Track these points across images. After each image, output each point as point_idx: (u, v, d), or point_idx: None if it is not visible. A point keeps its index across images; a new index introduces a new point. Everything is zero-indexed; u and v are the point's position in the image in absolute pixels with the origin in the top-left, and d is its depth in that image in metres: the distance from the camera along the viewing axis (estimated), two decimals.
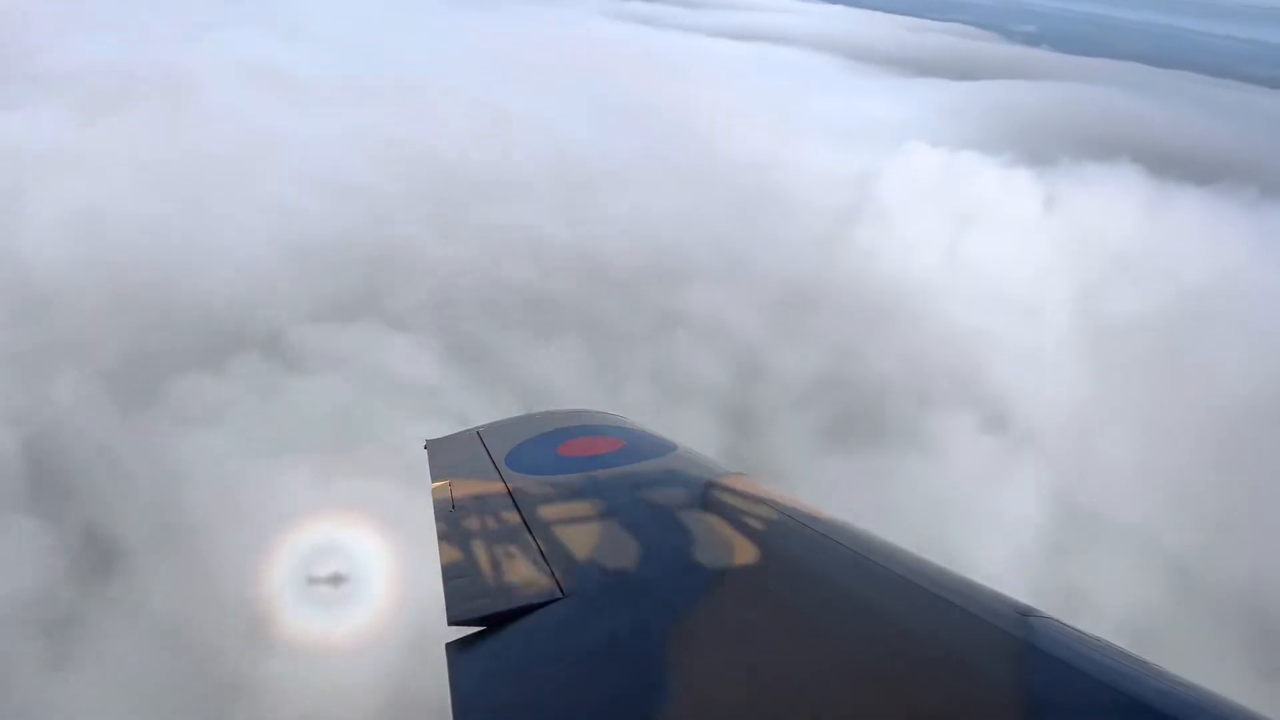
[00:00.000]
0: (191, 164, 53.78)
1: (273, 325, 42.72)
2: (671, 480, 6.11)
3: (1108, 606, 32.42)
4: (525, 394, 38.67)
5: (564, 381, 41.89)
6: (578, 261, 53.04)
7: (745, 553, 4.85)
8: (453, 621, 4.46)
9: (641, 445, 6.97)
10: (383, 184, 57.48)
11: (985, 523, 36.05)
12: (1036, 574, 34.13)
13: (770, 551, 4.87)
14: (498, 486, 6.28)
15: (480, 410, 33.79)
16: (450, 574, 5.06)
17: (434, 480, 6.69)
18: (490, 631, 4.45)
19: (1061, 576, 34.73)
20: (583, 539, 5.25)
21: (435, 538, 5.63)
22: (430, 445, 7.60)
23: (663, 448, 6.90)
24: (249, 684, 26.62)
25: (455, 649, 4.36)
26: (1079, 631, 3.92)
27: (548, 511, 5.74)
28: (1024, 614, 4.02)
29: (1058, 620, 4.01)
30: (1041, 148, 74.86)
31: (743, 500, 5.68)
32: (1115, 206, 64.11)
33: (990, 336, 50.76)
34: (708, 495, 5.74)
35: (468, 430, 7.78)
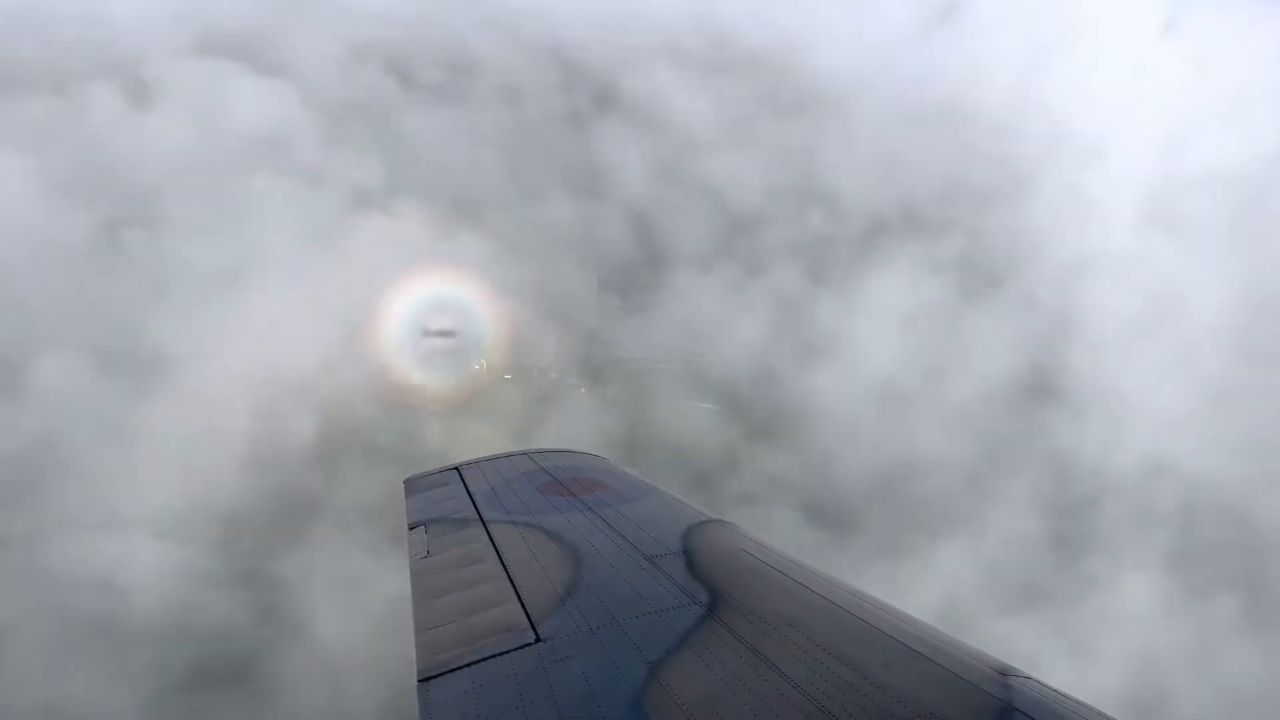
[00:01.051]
0: None
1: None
2: (651, 524, 6.06)
3: None
4: None
5: None
6: None
7: (723, 600, 4.83)
8: (422, 677, 4.36)
9: (623, 488, 6.94)
10: None
11: None
12: None
13: (748, 600, 4.82)
14: (476, 528, 6.20)
15: None
16: (423, 625, 4.96)
17: (410, 520, 6.58)
18: (463, 670, 4.38)
19: None
20: (560, 583, 5.19)
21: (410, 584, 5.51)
22: (409, 483, 7.46)
23: (644, 491, 6.90)
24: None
25: (426, 687, 4.30)
26: (1057, 692, 3.91)
27: (526, 555, 5.67)
28: (1003, 673, 4.00)
29: (1037, 680, 4.00)
30: None
31: (722, 547, 5.66)
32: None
33: None
34: (687, 540, 5.70)
35: (447, 468, 7.64)
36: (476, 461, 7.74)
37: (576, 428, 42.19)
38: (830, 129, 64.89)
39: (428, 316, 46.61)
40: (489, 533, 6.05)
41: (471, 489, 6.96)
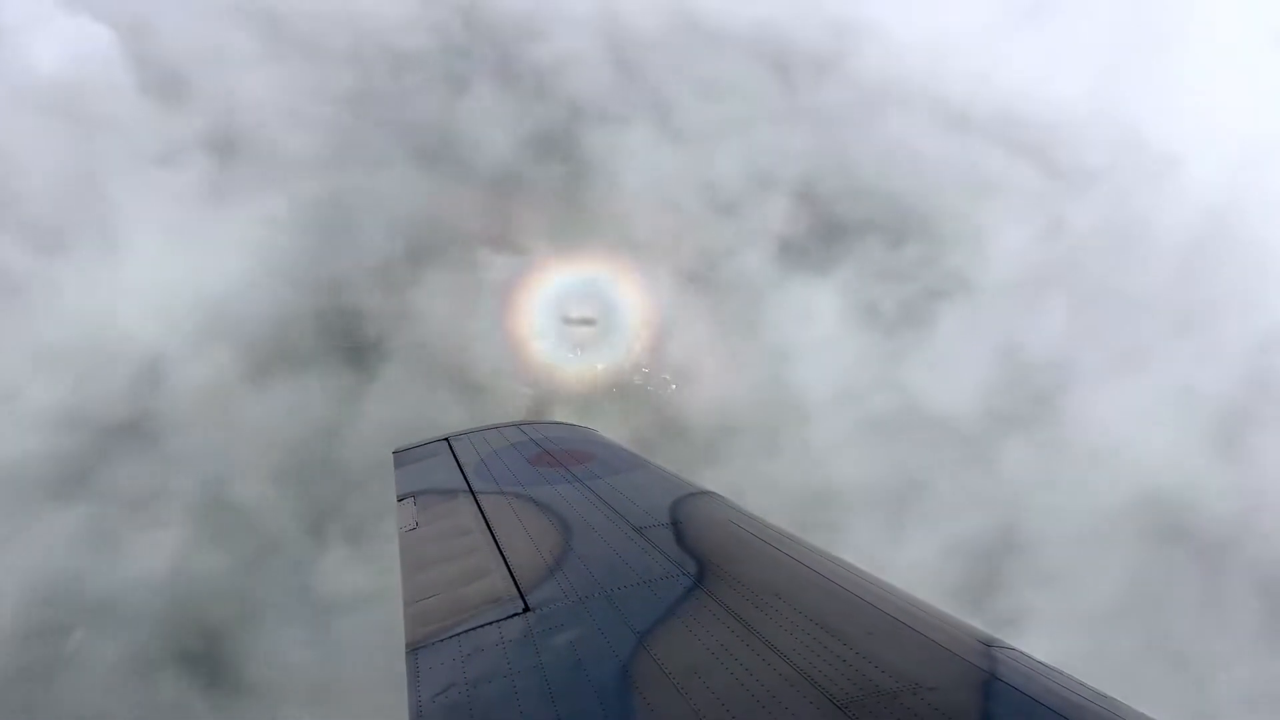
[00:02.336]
0: None
1: None
2: (640, 495, 6.07)
3: None
4: None
5: None
6: None
7: (711, 571, 4.83)
8: (411, 647, 4.44)
9: (612, 460, 6.96)
10: None
11: None
12: None
13: (736, 571, 4.83)
14: (465, 499, 6.24)
15: None
16: (411, 597, 5.02)
17: (399, 492, 6.63)
18: (451, 640, 4.44)
19: None
20: (549, 554, 5.22)
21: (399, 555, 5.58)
22: (397, 454, 7.53)
23: (632, 463, 6.92)
24: None
25: (414, 656, 4.37)
26: (1042, 664, 3.91)
27: (515, 525, 5.70)
28: (987, 644, 4.00)
29: (1022, 652, 4.00)
30: None
31: (709, 518, 5.67)
32: None
33: None
34: (675, 512, 5.72)
35: (436, 439, 7.70)
36: (466, 433, 7.77)
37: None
38: (873, 127, 64.08)
39: (569, 304, 45.89)
40: (478, 504, 6.08)
41: (461, 460, 7.00)
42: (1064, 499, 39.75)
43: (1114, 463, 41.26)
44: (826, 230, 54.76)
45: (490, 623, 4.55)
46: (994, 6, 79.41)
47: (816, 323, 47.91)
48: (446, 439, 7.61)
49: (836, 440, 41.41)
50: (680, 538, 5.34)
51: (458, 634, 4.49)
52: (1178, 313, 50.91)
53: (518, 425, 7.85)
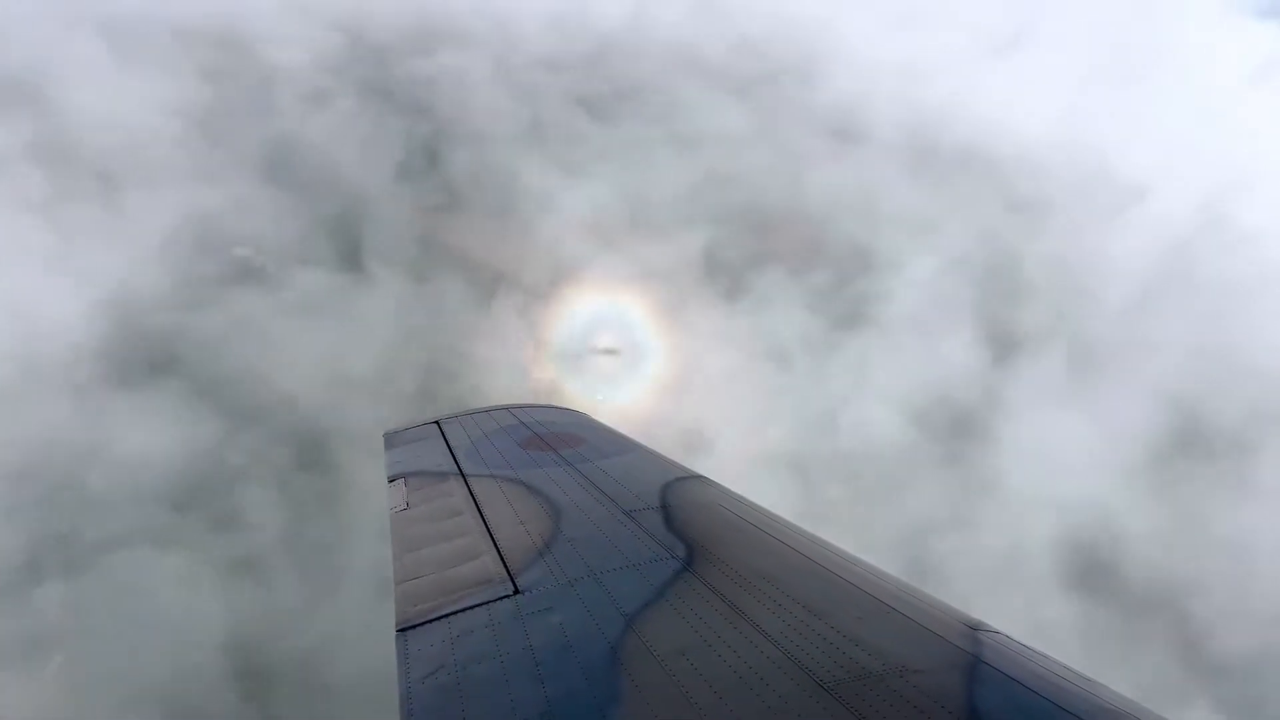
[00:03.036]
0: None
1: None
2: (630, 479, 6.11)
3: None
4: None
5: None
6: None
7: (700, 554, 4.90)
8: (401, 627, 4.43)
9: (602, 443, 6.98)
10: None
11: None
12: None
13: (724, 554, 4.89)
14: (455, 481, 6.22)
15: None
16: (402, 576, 5.00)
17: (389, 473, 6.61)
18: (441, 621, 4.44)
19: None
20: (539, 536, 5.25)
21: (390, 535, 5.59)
22: (388, 436, 7.48)
23: (623, 446, 6.93)
24: None
25: (404, 637, 4.36)
26: (1027, 648, 4.00)
27: (505, 507, 5.71)
28: (973, 628, 4.09)
29: (1006, 635, 4.09)
30: None
31: (699, 502, 5.72)
32: None
33: None
34: (665, 496, 5.77)
35: (427, 421, 7.66)
36: (456, 415, 7.73)
37: None
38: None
39: (592, 333, 46.46)
40: (468, 486, 6.06)
41: (451, 443, 6.97)
42: (978, 537, 39.24)
43: (1033, 502, 40.74)
44: (749, 257, 54.60)
45: (480, 604, 4.56)
46: (964, 37, 79.53)
47: (725, 352, 47.98)
48: (437, 421, 7.58)
49: (739, 473, 41.13)
50: (669, 521, 5.38)
51: (447, 615, 4.50)
52: (1120, 347, 50.34)
53: (508, 408, 7.84)
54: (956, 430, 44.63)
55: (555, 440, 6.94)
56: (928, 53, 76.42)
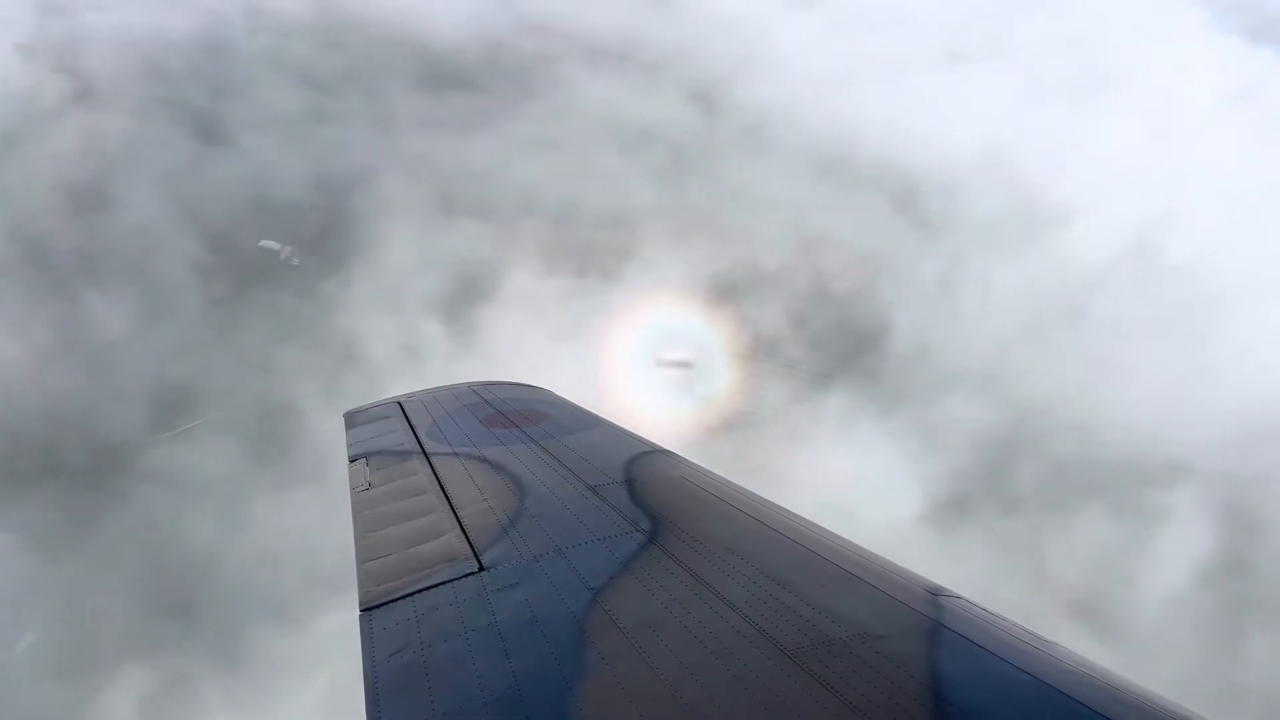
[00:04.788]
0: None
1: None
2: (594, 454, 6.06)
3: None
4: None
5: None
6: None
7: (665, 527, 4.91)
8: (364, 607, 4.37)
9: (565, 418, 6.90)
10: None
11: None
12: None
13: (689, 526, 4.91)
14: (418, 460, 6.12)
15: None
16: (364, 557, 4.93)
17: (350, 453, 6.46)
18: (405, 600, 4.39)
19: None
20: (503, 513, 5.21)
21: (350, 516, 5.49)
22: (349, 416, 7.31)
23: (587, 422, 6.87)
24: None
25: (368, 617, 4.31)
26: (987, 611, 4.02)
27: (469, 485, 5.64)
28: (934, 593, 4.12)
29: (967, 600, 4.11)
30: None
31: (664, 475, 5.73)
32: None
33: None
34: (630, 470, 5.76)
35: (388, 400, 7.51)
36: (417, 394, 7.56)
37: None
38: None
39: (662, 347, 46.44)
40: (431, 465, 5.97)
41: (413, 421, 6.81)
42: None
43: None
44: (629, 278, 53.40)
45: (444, 582, 4.51)
46: (910, 47, 76.83)
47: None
48: (398, 401, 7.42)
49: None
50: (634, 495, 5.36)
51: (411, 594, 4.44)
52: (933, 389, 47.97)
53: (470, 386, 7.69)
54: None
55: (519, 417, 6.79)
56: (865, 61, 73.79)
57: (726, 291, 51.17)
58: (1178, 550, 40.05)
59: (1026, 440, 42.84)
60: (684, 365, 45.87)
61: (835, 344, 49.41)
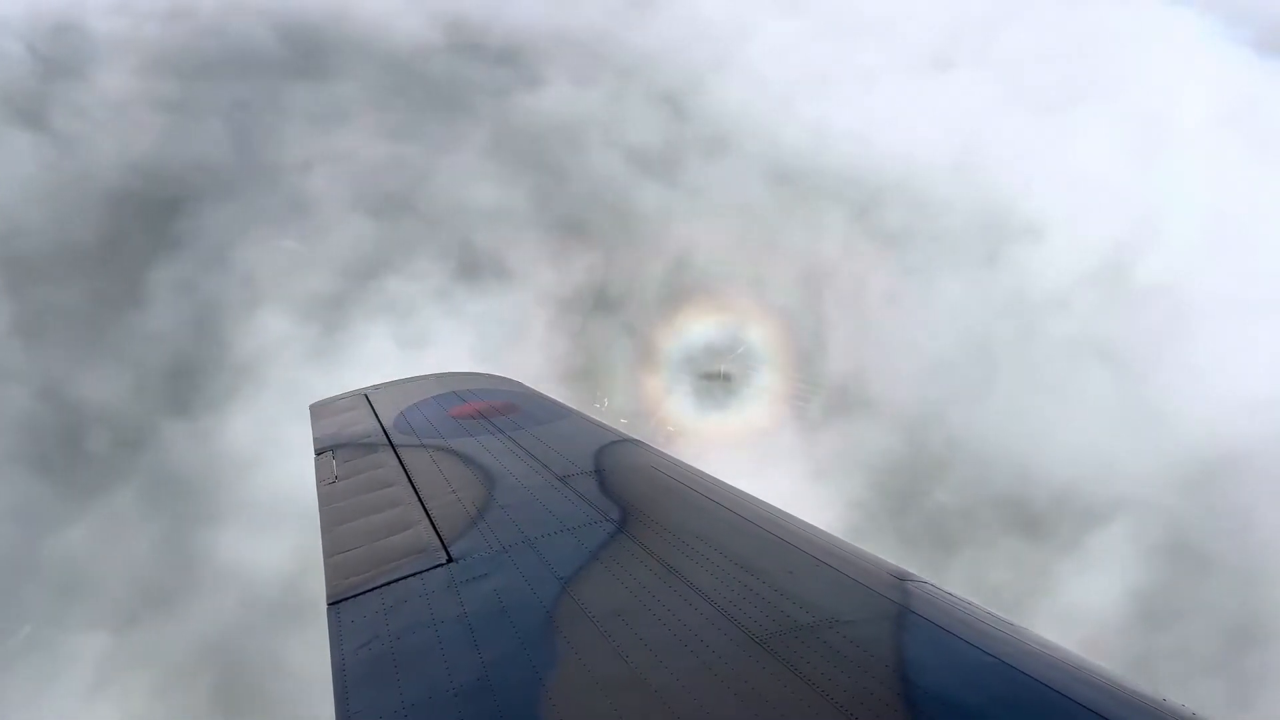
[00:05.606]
0: None
1: None
2: (564, 445, 6.09)
3: None
4: None
5: None
6: None
7: (634, 516, 4.94)
8: (332, 601, 4.34)
9: (535, 409, 6.92)
10: None
11: None
12: None
13: (658, 515, 4.95)
14: (385, 452, 6.09)
15: None
16: (331, 550, 4.90)
17: (316, 446, 6.41)
18: (373, 592, 4.38)
19: None
20: (472, 504, 5.20)
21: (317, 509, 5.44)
22: (314, 407, 7.26)
23: (556, 413, 6.91)
24: None
25: (336, 610, 4.27)
26: (954, 596, 4.09)
27: (437, 476, 5.63)
28: (901, 579, 4.19)
29: (933, 585, 4.18)
30: None
31: (633, 465, 5.78)
32: None
33: None
34: (599, 460, 5.78)
35: (355, 391, 7.46)
36: (385, 385, 7.52)
37: None
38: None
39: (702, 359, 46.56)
40: (399, 457, 5.94)
41: (380, 413, 6.79)
42: None
43: None
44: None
45: (413, 574, 4.51)
46: (887, 54, 74.83)
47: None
48: (365, 393, 7.38)
49: None
50: (604, 485, 5.40)
51: (379, 586, 4.44)
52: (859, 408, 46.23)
53: (438, 377, 7.70)
54: None
55: (487, 408, 6.81)
56: (844, 67, 71.86)
57: (654, 301, 50.15)
58: (1108, 587, 38.12)
59: (952, 469, 41.22)
60: (587, 377, 45.19)
61: (761, 360, 48.11)
